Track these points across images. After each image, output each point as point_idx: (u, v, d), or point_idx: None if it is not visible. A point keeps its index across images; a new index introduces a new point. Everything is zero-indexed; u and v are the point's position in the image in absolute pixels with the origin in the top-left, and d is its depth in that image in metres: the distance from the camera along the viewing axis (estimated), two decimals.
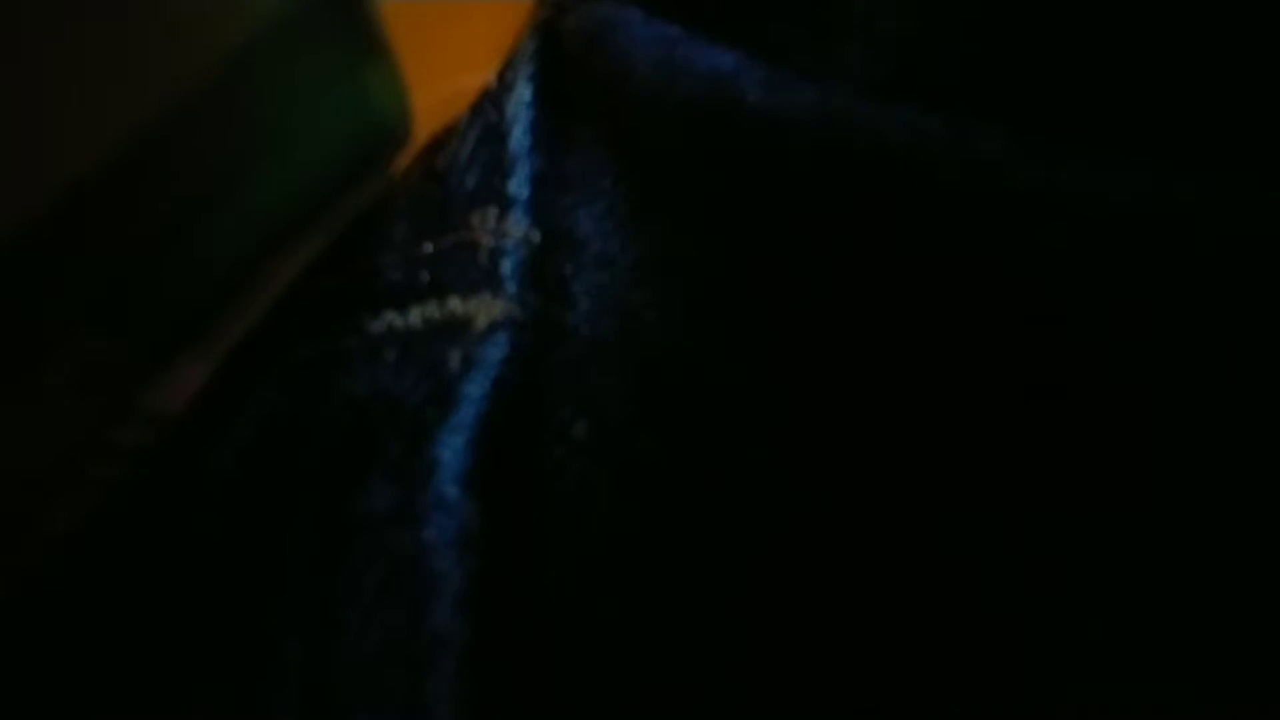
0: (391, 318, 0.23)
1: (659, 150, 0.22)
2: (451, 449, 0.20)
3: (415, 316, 0.23)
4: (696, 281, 0.21)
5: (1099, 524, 0.18)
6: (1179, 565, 0.17)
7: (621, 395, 0.21)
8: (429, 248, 0.24)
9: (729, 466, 0.20)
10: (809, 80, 0.20)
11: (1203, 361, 0.17)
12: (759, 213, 0.20)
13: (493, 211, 0.24)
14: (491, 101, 0.26)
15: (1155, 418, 0.17)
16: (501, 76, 0.26)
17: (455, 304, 0.23)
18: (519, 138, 0.25)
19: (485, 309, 0.23)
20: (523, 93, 0.25)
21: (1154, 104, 0.19)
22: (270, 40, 0.19)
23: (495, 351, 0.22)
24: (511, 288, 0.23)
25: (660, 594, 0.20)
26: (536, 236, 0.24)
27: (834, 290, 0.20)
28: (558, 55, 0.25)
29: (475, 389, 0.21)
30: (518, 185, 0.24)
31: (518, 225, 0.24)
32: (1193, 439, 0.17)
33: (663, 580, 0.20)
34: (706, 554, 0.20)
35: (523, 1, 0.25)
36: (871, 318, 0.19)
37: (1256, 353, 0.17)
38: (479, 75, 0.25)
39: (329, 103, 0.22)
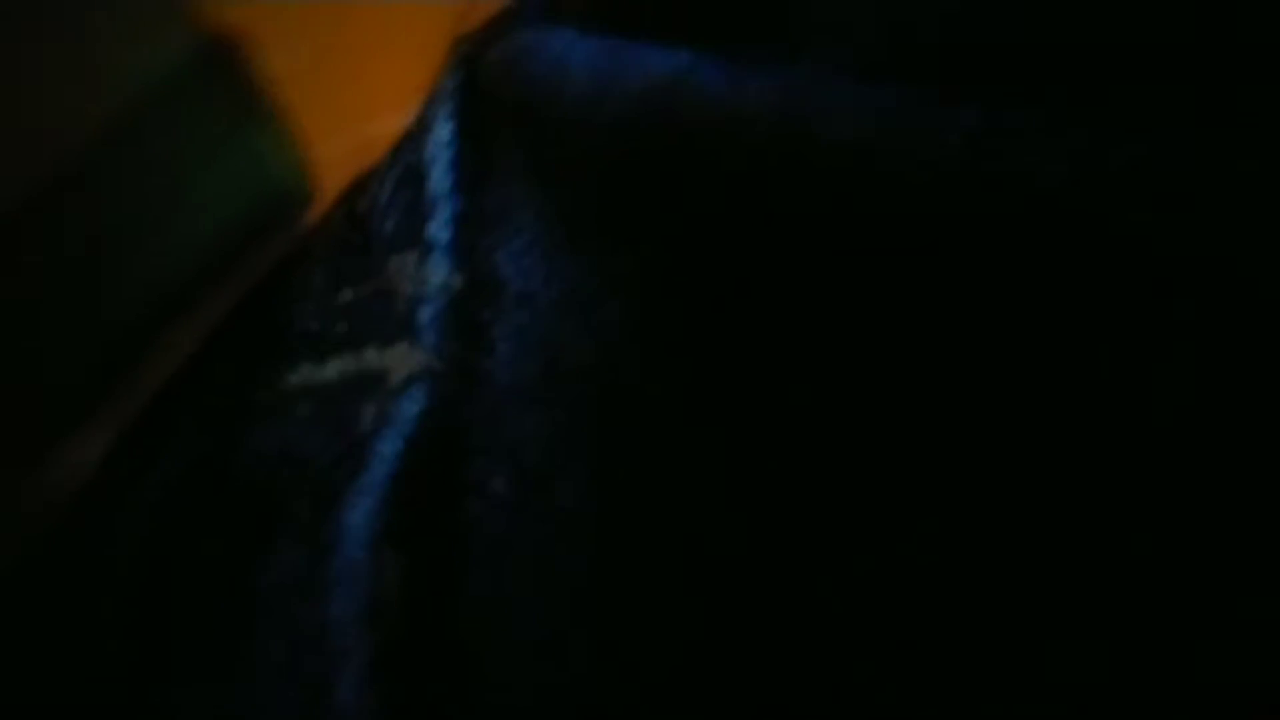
0: (307, 372, 0.23)
1: (599, 163, 0.21)
2: (361, 511, 0.20)
3: (331, 370, 0.23)
4: (633, 305, 0.20)
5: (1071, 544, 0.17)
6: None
7: (542, 444, 0.21)
8: (348, 296, 0.24)
9: (662, 505, 0.20)
10: (769, 72, 0.20)
11: (1195, 342, 0.16)
12: (715, 212, 0.20)
13: (412, 257, 0.23)
14: (411, 142, 0.25)
15: (1143, 416, 0.17)
16: (421, 116, 0.25)
17: (372, 356, 0.22)
18: (439, 178, 0.24)
19: (402, 360, 0.22)
20: (442, 131, 0.25)
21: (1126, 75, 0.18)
22: (147, 108, 0.19)
23: (411, 406, 0.21)
24: (430, 337, 0.22)
25: (583, 657, 0.20)
26: (458, 281, 0.23)
27: (791, 292, 0.19)
28: (478, 90, 0.25)
29: (388, 446, 0.20)
30: (438, 228, 0.24)
31: (438, 271, 0.23)
32: (1190, 437, 0.17)
33: (585, 641, 0.20)
34: (634, 610, 0.20)
35: (434, 42, 0.25)
36: (831, 321, 0.18)
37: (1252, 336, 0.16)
38: (396, 118, 0.24)
39: (215, 167, 0.21)
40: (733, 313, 0.19)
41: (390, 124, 0.24)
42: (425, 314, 0.22)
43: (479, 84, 0.24)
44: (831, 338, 0.19)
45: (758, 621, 0.19)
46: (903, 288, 0.18)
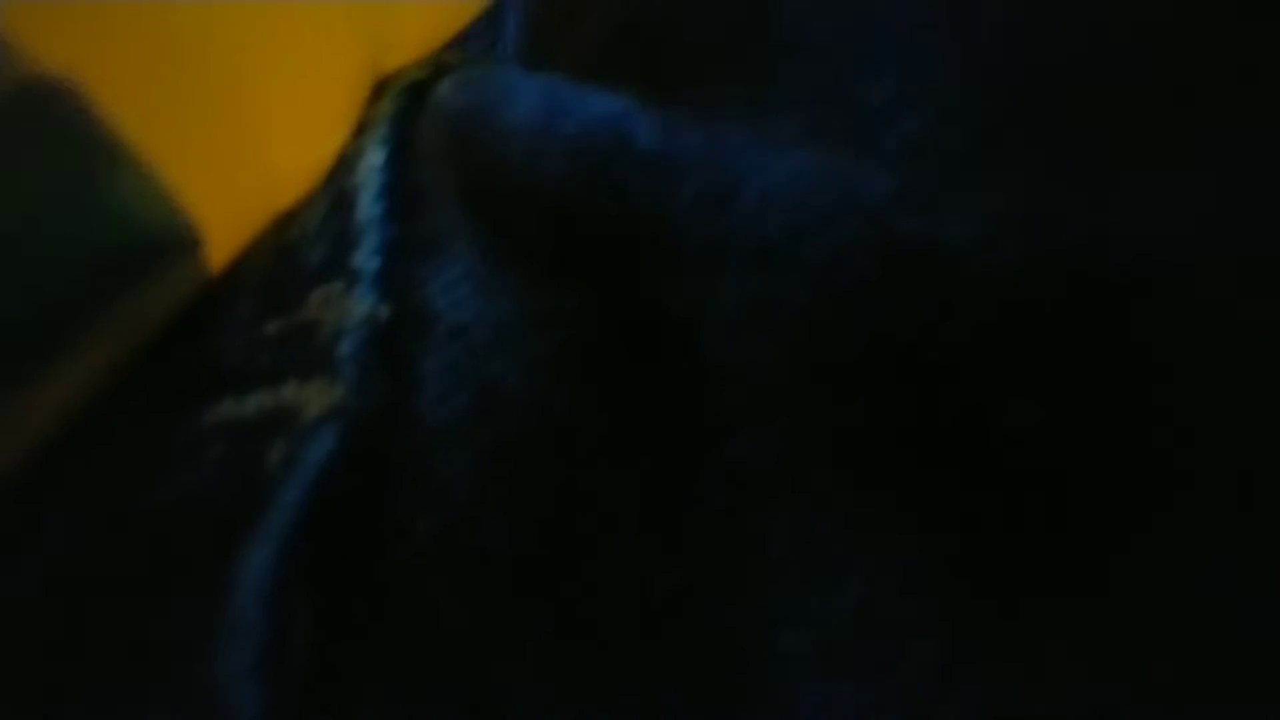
0: (227, 408, 0.22)
1: (537, 193, 0.20)
2: (257, 561, 0.19)
3: (251, 406, 0.21)
4: (564, 340, 0.20)
5: None
6: None
7: (470, 485, 0.20)
8: (273, 328, 0.23)
9: (591, 543, 0.19)
10: (701, 125, 0.19)
11: (1097, 404, 0.17)
12: (641, 255, 0.19)
13: (338, 287, 0.22)
14: (343, 168, 0.24)
15: (1055, 468, 0.17)
16: (353, 142, 0.24)
17: (290, 392, 0.21)
18: (368, 205, 0.23)
19: (318, 397, 0.21)
20: (374, 157, 0.24)
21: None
22: None
23: (319, 448, 0.20)
24: (350, 372, 0.21)
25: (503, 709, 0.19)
26: (385, 313, 0.22)
27: (717, 336, 0.18)
28: (416, 118, 0.24)
29: (292, 493, 0.19)
30: (365, 257, 0.23)
31: (362, 302, 0.22)
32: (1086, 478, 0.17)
33: (508, 693, 0.19)
34: (567, 654, 0.19)
35: (350, 66, 0.24)
36: (756, 369, 0.18)
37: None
38: (299, 152, 0.23)
39: (58, 218, 0.19)
40: (661, 355, 0.19)
41: (293, 157, 0.23)
42: (346, 347, 0.21)
43: (420, 113, 0.24)
44: (751, 385, 0.18)
45: (693, 668, 0.18)
46: (820, 342, 0.18)
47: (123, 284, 0.21)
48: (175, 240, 0.21)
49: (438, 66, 0.25)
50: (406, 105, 0.24)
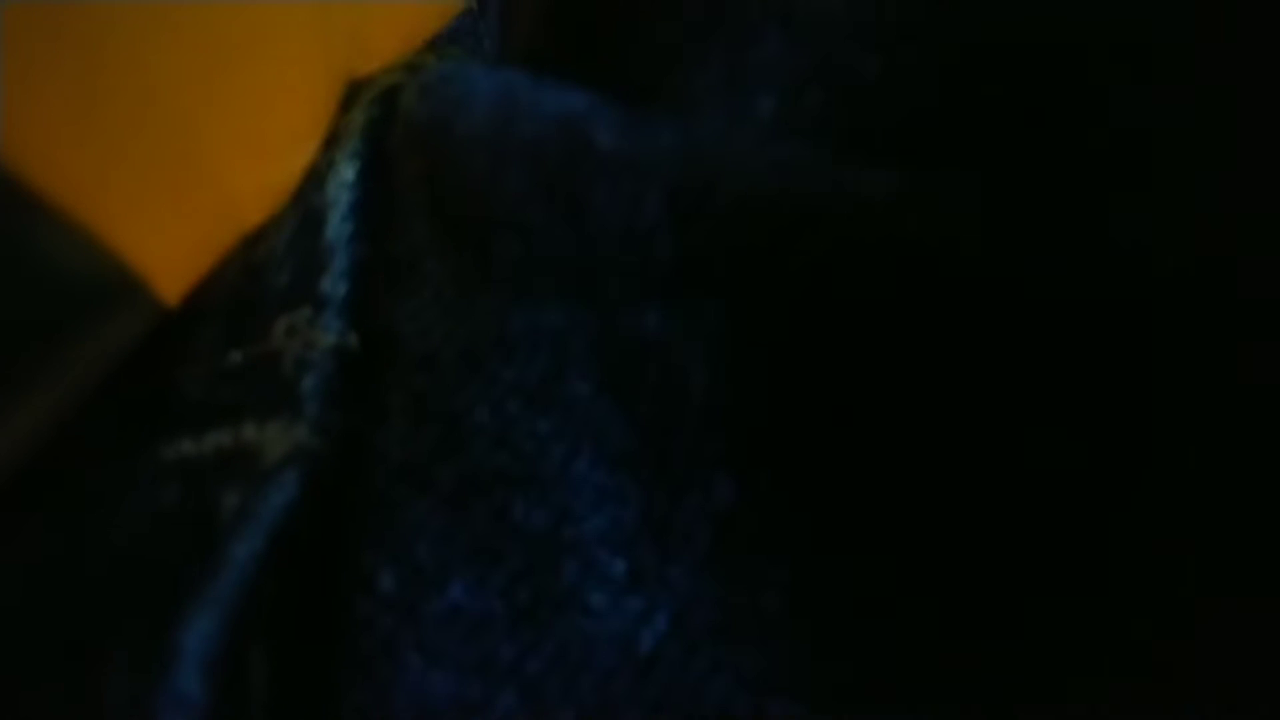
0: (185, 445, 0.20)
1: (497, 207, 0.19)
2: (199, 632, 0.17)
3: (208, 444, 0.20)
4: (534, 365, 0.18)
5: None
6: None
7: (433, 534, 0.18)
8: (236, 358, 0.21)
9: (567, 601, 0.17)
10: (675, 124, 0.17)
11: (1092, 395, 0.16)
12: (608, 272, 0.18)
13: (304, 314, 0.21)
14: (312, 183, 0.23)
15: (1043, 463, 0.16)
16: (322, 155, 0.23)
17: (249, 431, 0.20)
18: (337, 224, 0.21)
19: (279, 438, 0.19)
20: (345, 172, 0.22)
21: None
22: None
23: (279, 495, 0.18)
24: (312, 409, 0.19)
25: None
26: (353, 341, 0.21)
27: (694, 363, 0.17)
28: (388, 127, 0.22)
29: (244, 549, 0.18)
30: (333, 282, 0.21)
31: (328, 331, 0.21)
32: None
33: None
34: None
35: (319, 71, 0.22)
36: (741, 402, 0.17)
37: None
38: (283, 160, 0.22)
39: None
40: (636, 385, 0.17)
41: (254, 176, 0.21)
42: (310, 382, 0.20)
43: (392, 120, 0.22)
44: (736, 420, 0.16)
45: None
46: (811, 369, 0.16)
47: (54, 341, 0.19)
48: (107, 289, 0.19)
49: (413, 69, 0.23)
50: (380, 114, 0.23)
